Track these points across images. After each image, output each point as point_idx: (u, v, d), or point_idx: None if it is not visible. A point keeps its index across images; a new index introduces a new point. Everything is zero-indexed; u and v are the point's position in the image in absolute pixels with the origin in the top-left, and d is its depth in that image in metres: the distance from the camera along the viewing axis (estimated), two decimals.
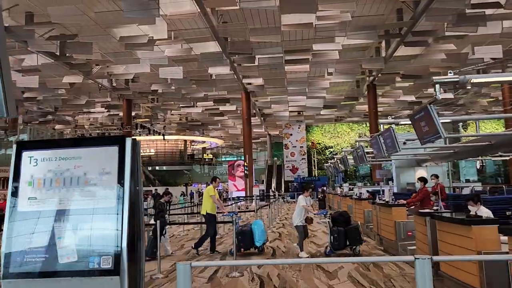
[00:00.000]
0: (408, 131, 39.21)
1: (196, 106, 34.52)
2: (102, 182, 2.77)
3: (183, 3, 16.50)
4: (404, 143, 16.43)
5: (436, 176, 9.61)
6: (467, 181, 31.45)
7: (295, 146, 42.26)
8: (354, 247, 8.39)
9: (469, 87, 4.21)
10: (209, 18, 17.19)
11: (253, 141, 62.64)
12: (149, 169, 45.09)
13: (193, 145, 55.60)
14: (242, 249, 8.81)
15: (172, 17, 17.55)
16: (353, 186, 20.95)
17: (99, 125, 42.80)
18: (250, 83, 28.99)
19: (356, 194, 14.41)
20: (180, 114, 41.21)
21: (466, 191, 16.14)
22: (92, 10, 16.80)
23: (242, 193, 28.73)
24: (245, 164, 28.23)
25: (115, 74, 25.16)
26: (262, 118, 42.38)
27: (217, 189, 10.34)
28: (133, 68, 24.00)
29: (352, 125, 44.94)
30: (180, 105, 34.79)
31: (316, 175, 41.83)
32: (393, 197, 9.71)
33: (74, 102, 31.25)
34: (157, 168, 48.39)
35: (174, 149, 51.29)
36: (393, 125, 7.37)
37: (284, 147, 43.19)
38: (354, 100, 34.56)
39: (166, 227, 9.12)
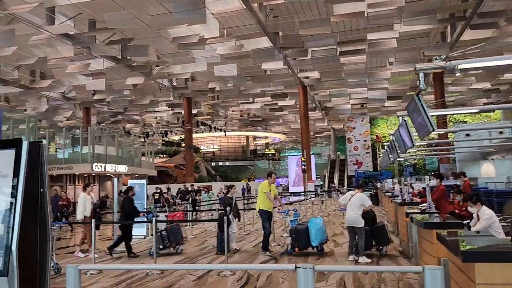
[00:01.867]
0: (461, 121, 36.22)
1: (255, 102, 34.70)
2: None
3: (229, 1, 16.57)
4: (467, 135, 15.21)
5: (437, 177, 8.57)
6: None
7: (359, 140, 40.92)
8: (380, 247, 7.85)
9: (458, 74, 3.67)
10: (255, 14, 17.09)
11: (317, 135, 62.00)
12: (212, 165, 46.30)
13: (256, 141, 56.09)
14: (297, 249, 8.29)
15: (221, 15, 17.70)
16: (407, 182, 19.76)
17: (165, 123, 44.78)
18: (307, 77, 28.49)
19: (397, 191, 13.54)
20: (241, 111, 41.76)
21: None
22: (144, 14, 17.46)
23: (301, 188, 28.38)
24: (303, 159, 27.85)
25: (174, 74, 26.04)
26: (323, 112, 41.54)
27: (275, 185, 9.67)
28: (189, 67, 24.67)
29: None
30: (239, 102, 35.19)
31: (380, 170, 40.13)
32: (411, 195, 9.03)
33: (139, 102, 32.88)
34: (220, 164, 49.52)
35: (236, 145, 52.13)
36: (405, 117, 6.61)
37: (347, 141, 41.99)
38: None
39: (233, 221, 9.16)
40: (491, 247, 2.59)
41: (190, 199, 19.25)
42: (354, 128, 41.44)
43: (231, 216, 8.99)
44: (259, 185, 9.57)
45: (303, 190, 27.59)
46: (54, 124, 36.11)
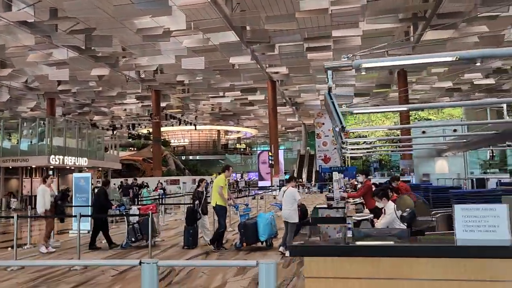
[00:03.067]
0: (425, 118, 37.32)
1: (225, 96, 34.64)
2: None
3: None
4: (423, 132, 15.67)
5: (363, 173, 9.04)
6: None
7: (327, 136, 41.39)
8: None
9: (364, 72, 3.82)
10: (220, 7, 17.05)
11: (288, 130, 62.48)
12: (182, 158, 46.01)
13: (228, 135, 56.02)
14: (245, 244, 8.21)
15: (186, 7, 17.56)
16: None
17: (134, 116, 44.13)
18: (276, 72, 28.64)
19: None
20: (212, 105, 41.59)
21: (492, 184, 15.14)
22: (107, 4, 17.12)
23: (268, 183, 28.62)
24: (270, 154, 28.06)
25: (141, 66, 25.68)
26: (294, 107, 41.88)
27: (228, 179, 9.54)
28: (156, 59, 24.37)
29: (387, 114, 43.34)
30: (209, 96, 35.05)
31: (349, 165, 40.86)
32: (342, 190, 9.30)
33: (107, 94, 32.26)
34: (190, 157, 49.23)
35: (208, 139, 51.91)
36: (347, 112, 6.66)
37: (316, 136, 42.50)
38: (387, 88, 33.26)
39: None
40: (322, 242, 2.64)
41: (132, 194, 18.56)
42: (323, 123, 41.93)
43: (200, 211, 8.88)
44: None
45: (270, 185, 27.82)
46: (18, 114, 35.02)
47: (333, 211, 8.03)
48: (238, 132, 55.54)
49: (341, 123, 4.26)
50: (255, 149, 62.04)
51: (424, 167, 15.96)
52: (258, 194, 19.21)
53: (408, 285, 2.14)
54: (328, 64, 3.83)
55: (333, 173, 9.45)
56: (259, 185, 32.13)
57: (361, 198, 8.76)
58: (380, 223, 4.57)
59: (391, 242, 2.47)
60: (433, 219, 5.59)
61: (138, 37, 20.25)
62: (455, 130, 14.87)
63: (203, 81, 29.01)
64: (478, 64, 3.59)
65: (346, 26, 19.99)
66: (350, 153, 21.63)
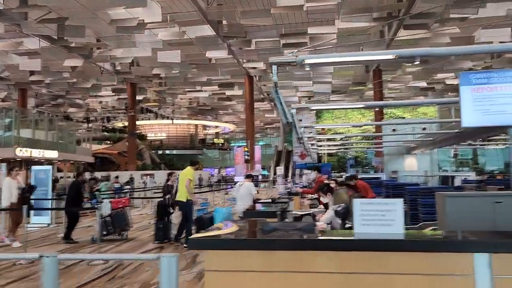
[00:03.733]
0: (400, 117, 38.08)
1: (203, 91, 34.44)
2: None
3: None
4: (394, 130, 15.94)
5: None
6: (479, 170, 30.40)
7: (304, 131, 41.61)
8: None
9: (308, 68, 3.88)
10: (196, 1, 16.93)
11: (267, 126, 62.59)
12: (159, 153, 45.62)
13: (206, 130, 55.76)
14: None
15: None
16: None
17: (110, 109, 43.46)
18: (253, 67, 28.62)
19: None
20: (190, 99, 41.31)
21: (458, 182, 15.53)
22: None
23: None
24: (246, 149, 28.12)
25: (116, 57, 25.27)
26: (272, 103, 41.95)
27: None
28: (132, 52, 24.02)
29: (363, 111, 43.87)
30: (186, 90, 34.79)
31: (325, 161, 41.25)
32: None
33: (81, 86, 31.66)
34: (167, 152, 48.82)
35: (185, 133, 51.54)
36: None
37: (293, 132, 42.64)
38: (363, 86, 33.68)
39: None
40: (222, 236, 2.65)
41: (89, 188, 17.83)
42: (300, 120, 42.07)
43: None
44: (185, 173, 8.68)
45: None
46: None
47: (274, 206, 7.97)
48: (216, 127, 55.36)
49: (285, 117, 4.30)
50: (234, 144, 62.01)
51: (394, 164, 16.26)
52: (226, 190, 19.17)
53: (303, 278, 2.18)
54: (273, 59, 3.87)
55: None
56: (236, 180, 32.13)
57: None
58: (322, 218, 4.63)
59: (290, 236, 2.48)
60: None
61: (112, 28, 19.91)
62: (424, 129, 15.20)
63: (180, 74, 28.76)
64: (417, 62, 3.69)
65: (323, 23, 20.13)
66: (320, 149, 21.80)
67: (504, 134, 21.24)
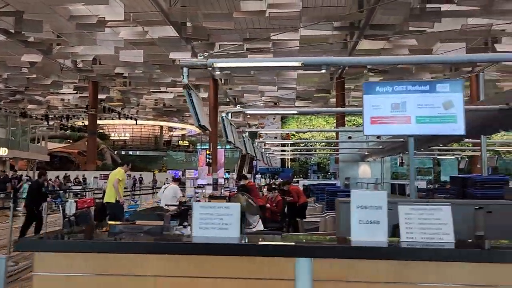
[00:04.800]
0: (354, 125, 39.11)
1: (168, 92, 34.07)
2: None
3: None
4: (349, 138, 16.29)
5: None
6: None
7: (269, 137, 41.91)
8: None
9: (218, 72, 3.96)
10: (157, 1, 16.78)
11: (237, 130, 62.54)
12: (122, 153, 44.74)
13: (172, 132, 55.15)
14: None
15: None
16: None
17: (72, 107, 42.28)
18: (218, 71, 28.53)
19: None
20: (155, 100, 40.74)
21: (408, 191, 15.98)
22: None
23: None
24: (208, 152, 28.00)
25: (77, 55, 24.64)
26: (238, 107, 41.96)
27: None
28: (93, 49, 23.51)
29: (328, 118, 44.70)
30: (151, 90, 34.32)
31: (289, 167, 41.72)
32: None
33: (41, 82, 30.66)
34: (130, 152, 47.95)
35: (150, 134, 50.78)
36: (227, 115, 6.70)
37: (258, 137, 42.85)
38: (327, 93, 34.27)
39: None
40: (52, 236, 2.62)
41: (11, 187, 17.00)
42: (265, 124, 42.43)
43: None
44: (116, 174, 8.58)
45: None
46: None
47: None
48: (182, 129, 54.85)
49: (198, 120, 4.33)
50: (200, 147, 61.57)
51: (349, 171, 16.58)
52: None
53: (135, 281, 2.17)
54: (184, 61, 3.89)
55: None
56: (198, 183, 31.87)
57: None
58: None
59: (130, 239, 2.47)
60: (323, 219, 5.84)
61: (72, 24, 19.43)
62: (378, 137, 15.60)
63: (143, 74, 28.36)
64: (324, 71, 3.80)
65: (288, 30, 20.35)
66: (279, 154, 22.05)
67: (458, 145, 22.16)
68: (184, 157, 53.71)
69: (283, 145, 39.72)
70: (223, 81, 31.86)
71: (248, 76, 29.21)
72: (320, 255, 2.18)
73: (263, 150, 16.49)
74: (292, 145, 25.28)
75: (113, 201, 8.03)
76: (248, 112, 7.19)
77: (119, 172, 8.39)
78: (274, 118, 42.95)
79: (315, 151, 34.84)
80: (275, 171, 37.10)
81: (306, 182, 19.18)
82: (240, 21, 19.61)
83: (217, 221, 2.31)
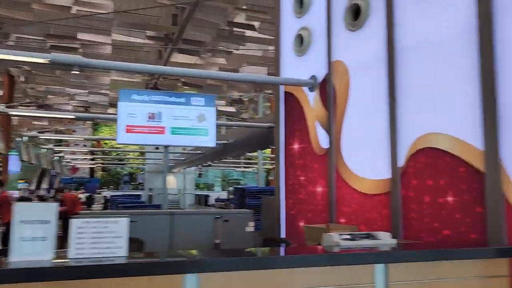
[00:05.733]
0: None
1: None
2: None
3: None
4: (157, 148, 16.24)
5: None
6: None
7: (78, 144, 38.67)
8: None
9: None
10: None
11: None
12: None
13: None
14: None
15: None
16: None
17: None
18: (17, 66, 25.03)
19: None
20: None
21: (212, 200, 16.81)
22: None
23: None
24: None
25: None
26: (42, 109, 37.57)
27: None
28: None
29: None
30: None
31: (100, 177, 39.23)
32: None
33: None
34: None
35: None
36: None
37: (63, 144, 39.10)
38: None
39: None
40: None
41: None
42: (74, 131, 38.99)
43: None
44: None
45: None
46: None
47: None
48: None
49: None
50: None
51: (154, 182, 16.50)
52: None
53: None
54: None
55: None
56: None
57: None
58: None
59: None
60: None
61: None
62: (184, 149, 15.99)
63: None
64: (76, 72, 3.71)
65: (99, 31, 19.21)
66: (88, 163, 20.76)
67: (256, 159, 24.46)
68: None
69: (92, 153, 37.29)
70: (20, 78, 28.05)
71: (53, 75, 26.40)
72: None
73: (56, 157, 15.06)
74: (96, 153, 23.91)
75: None
76: (11, 112, 6.38)
77: None
78: (84, 124, 39.88)
79: (127, 160, 33.72)
80: (80, 181, 34.35)
81: (111, 193, 18.28)
82: (42, 14, 17.63)
83: None
